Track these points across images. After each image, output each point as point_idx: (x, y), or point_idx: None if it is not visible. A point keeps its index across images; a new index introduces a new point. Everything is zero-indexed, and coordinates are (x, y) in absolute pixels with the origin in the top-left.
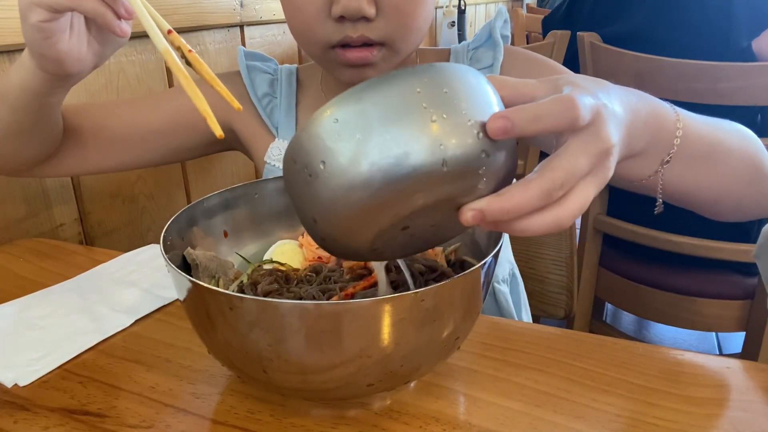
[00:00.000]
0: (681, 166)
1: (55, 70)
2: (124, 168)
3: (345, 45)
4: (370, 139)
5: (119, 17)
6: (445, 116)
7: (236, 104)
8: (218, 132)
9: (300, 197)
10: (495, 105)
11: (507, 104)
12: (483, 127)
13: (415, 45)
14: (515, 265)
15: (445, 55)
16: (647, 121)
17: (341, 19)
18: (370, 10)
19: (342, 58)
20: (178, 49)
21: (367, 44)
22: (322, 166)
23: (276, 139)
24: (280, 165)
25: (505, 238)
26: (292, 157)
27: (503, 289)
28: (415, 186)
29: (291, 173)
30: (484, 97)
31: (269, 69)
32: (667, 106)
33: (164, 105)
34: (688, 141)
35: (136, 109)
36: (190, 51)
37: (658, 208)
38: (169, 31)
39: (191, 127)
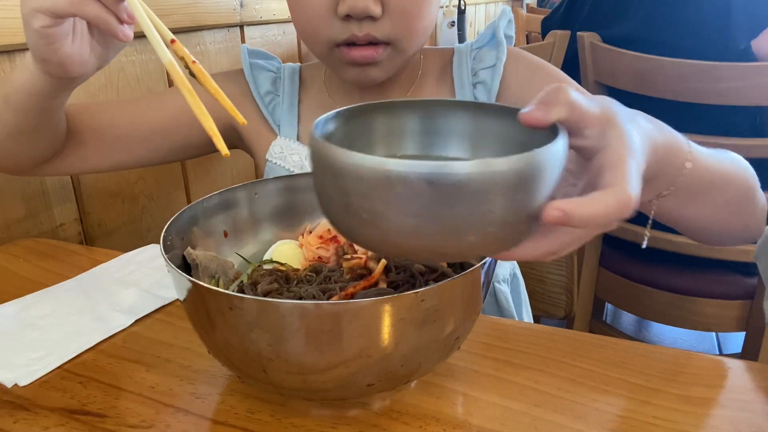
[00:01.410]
0: (677, 199)
1: (59, 73)
2: (127, 167)
3: (350, 44)
4: (421, 226)
5: (121, 22)
6: (506, 225)
7: (241, 119)
8: (224, 151)
9: (328, 203)
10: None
11: (567, 125)
12: (537, 214)
13: (420, 45)
14: (516, 266)
15: (449, 55)
16: (659, 154)
17: (347, 17)
18: (376, 10)
19: (347, 57)
20: (181, 59)
21: (373, 43)
22: (365, 215)
23: (278, 137)
24: (282, 163)
25: None
26: (329, 165)
27: (504, 288)
28: (446, 255)
29: (322, 176)
30: (550, 188)
31: (272, 67)
32: (682, 140)
33: (166, 104)
34: (692, 177)
35: (138, 108)
36: (194, 62)
37: (645, 243)
38: (172, 41)
39: (193, 126)
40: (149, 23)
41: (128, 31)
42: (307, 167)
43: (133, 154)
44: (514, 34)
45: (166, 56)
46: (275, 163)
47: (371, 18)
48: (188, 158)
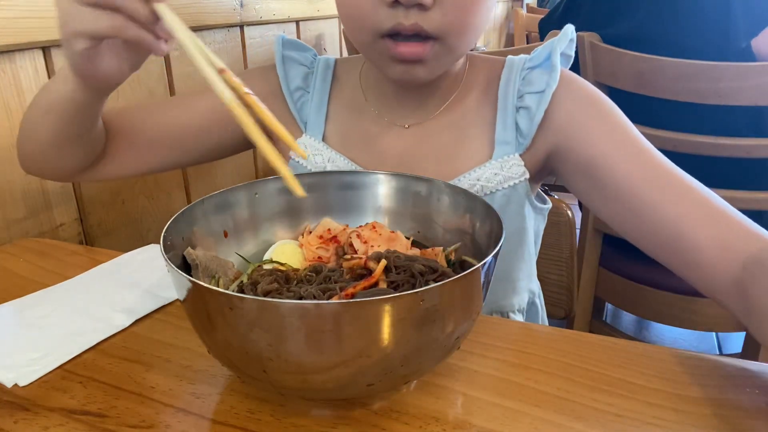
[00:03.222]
0: None
1: (98, 85)
2: (163, 169)
3: (397, 35)
4: None
5: (158, 38)
6: None
7: (300, 191)
8: (299, 192)
9: None
10: None
11: None
12: None
13: (470, 45)
14: (538, 294)
15: (498, 67)
16: None
17: (395, 4)
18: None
19: (393, 52)
20: (232, 90)
21: (420, 36)
22: None
23: (303, 135)
24: (304, 162)
25: (533, 266)
26: None
27: (518, 318)
28: None
29: None
30: None
31: (306, 61)
32: None
33: (197, 105)
34: None
35: (169, 111)
36: (246, 93)
37: None
38: (222, 71)
39: (224, 127)
40: (199, 58)
41: (165, 47)
42: (328, 168)
43: (167, 157)
44: (573, 54)
45: (227, 94)
46: (298, 161)
47: (421, 6)
48: (222, 157)
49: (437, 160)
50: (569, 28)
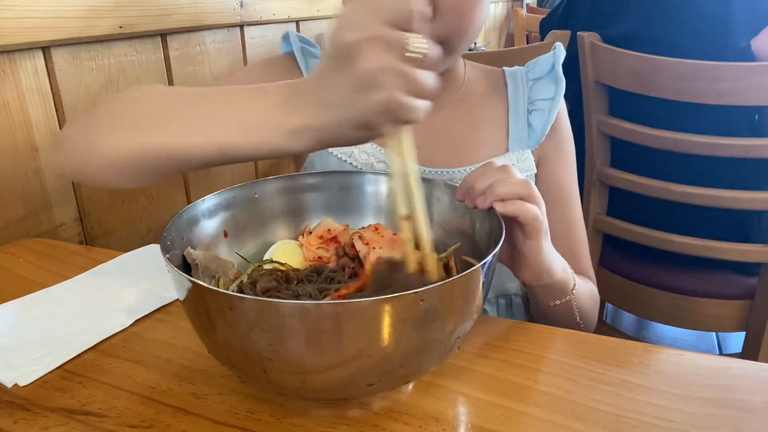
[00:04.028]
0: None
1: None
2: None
3: None
4: None
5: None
6: None
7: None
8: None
9: None
10: None
11: None
12: None
13: (470, 44)
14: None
15: (498, 74)
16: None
17: None
18: (426, 11)
19: None
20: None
21: None
22: None
23: None
24: (322, 153)
25: None
26: None
27: (519, 302)
28: None
29: None
30: None
31: (317, 54)
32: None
33: None
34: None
35: None
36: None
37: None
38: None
39: None
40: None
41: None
42: (355, 154)
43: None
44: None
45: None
46: (320, 152)
47: None
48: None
49: (454, 147)
50: (560, 45)
